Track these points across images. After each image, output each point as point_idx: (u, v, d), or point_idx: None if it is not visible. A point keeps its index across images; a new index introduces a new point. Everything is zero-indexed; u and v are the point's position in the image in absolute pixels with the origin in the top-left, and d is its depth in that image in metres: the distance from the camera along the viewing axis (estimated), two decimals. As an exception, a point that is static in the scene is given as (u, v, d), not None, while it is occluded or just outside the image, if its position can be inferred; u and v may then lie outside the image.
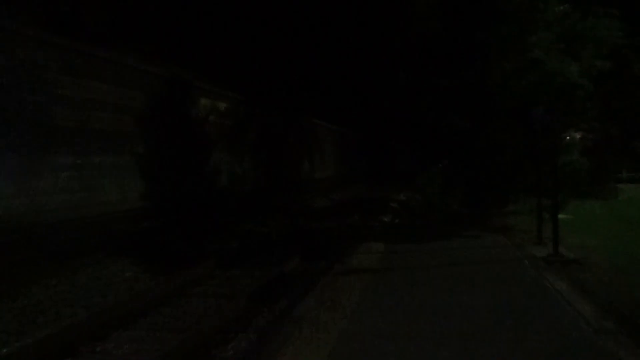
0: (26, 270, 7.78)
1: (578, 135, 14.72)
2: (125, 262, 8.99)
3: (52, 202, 8.86)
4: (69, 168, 9.28)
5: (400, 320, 4.73)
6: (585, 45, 10.08)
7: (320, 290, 6.06)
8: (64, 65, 9.20)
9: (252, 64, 17.74)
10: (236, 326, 5.86)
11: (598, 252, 7.62)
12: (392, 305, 5.20)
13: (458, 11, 10.30)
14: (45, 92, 8.80)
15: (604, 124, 13.78)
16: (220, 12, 16.80)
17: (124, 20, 12.12)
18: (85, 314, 6.13)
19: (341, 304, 5.34)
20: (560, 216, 7.80)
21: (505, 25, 9.70)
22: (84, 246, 9.05)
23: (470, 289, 5.76)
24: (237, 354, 5.03)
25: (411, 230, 10.79)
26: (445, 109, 10.86)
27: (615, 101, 12.75)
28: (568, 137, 12.53)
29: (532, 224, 8.79)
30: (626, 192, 14.64)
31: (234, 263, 9.12)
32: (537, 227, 8.42)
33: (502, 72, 9.63)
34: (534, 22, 9.81)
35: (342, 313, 5.01)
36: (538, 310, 4.84)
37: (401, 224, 11.95)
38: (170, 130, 11.61)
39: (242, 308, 6.45)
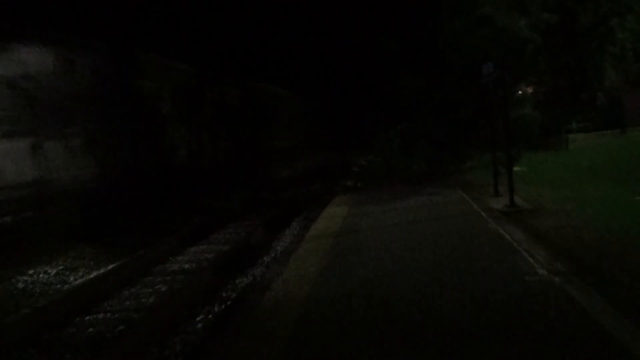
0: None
1: (530, 90, 15.08)
2: (83, 245, 8.74)
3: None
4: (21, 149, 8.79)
5: (365, 280, 4.80)
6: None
7: (286, 258, 6.07)
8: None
9: (204, 33, 17.18)
10: (202, 300, 5.83)
11: (551, 200, 7.91)
12: (356, 268, 5.26)
13: None
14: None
15: (553, 77, 14.13)
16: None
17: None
18: (45, 302, 5.96)
19: (306, 270, 5.36)
20: (514, 169, 8.02)
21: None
22: (38, 229, 8.72)
23: (431, 244, 5.88)
24: (205, 327, 5.01)
25: (373, 192, 10.90)
26: (399, 70, 10.86)
27: (563, 54, 13.06)
28: (520, 92, 12.81)
29: (489, 178, 9.02)
30: (576, 141, 15.20)
31: (197, 239, 9.03)
32: (494, 180, 8.65)
33: (453, 30, 9.66)
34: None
35: (308, 279, 5.04)
36: (496, 259, 5.00)
37: (363, 188, 12.06)
38: (120, 107, 11.18)
39: (207, 283, 6.41)
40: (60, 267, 7.68)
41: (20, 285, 6.93)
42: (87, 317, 5.57)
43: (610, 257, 4.81)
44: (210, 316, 5.33)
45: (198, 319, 5.29)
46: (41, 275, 7.30)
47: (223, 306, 5.59)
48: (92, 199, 10.09)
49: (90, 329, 5.20)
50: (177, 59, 15.28)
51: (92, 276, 7.17)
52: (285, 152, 26.15)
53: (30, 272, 7.41)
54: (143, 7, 14.69)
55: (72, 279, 7.22)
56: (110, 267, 7.47)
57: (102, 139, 10.74)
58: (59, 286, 6.90)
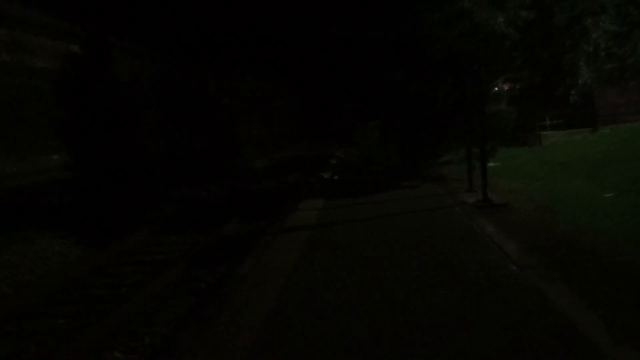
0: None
1: (506, 87, 15.28)
2: (54, 236, 8.52)
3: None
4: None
5: (338, 273, 4.80)
6: (511, -5, 10.29)
7: (261, 250, 6.04)
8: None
9: (180, 20, 16.87)
10: (175, 291, 5.76)
11: (523, 195, 8.05)
12: (331, 260, 5.26)
13: None
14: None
15: (529, 73, 14.33)
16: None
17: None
18: (11, 292, 5.80)
19: (281, 262, 5.34)
20: (489, 164, 8.12)
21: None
22: (7, 221, 8.47)
23: (405, 238, 5.92)
24: (177, 318, 4.95)
25: (350, 185, 10.92)
26: (379, 62, 10.85)
27: (539, 50, 13.24)
28: (496, 88, 12.96)
29: (464, 173, 9.12)
30: (549, 138, 15.47)
31: (172, 229, 8.91)
32: (468, 175, 8.75)
33: (432, 23, 9.67)
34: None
35: (282, 271, 5.02)
36: (467, 252, 5.06)
37: (340, 180, 12.07)
38: (91, 93, 10.89)
39: (180, 273, 6.33)
40: (27, 255, 7.48)
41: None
42: (55, 307, 5.44)
43: (579, 252, 4.91)
44: (182, 307, 5.26)
45: (169, 309, 5.22)
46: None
47: (196, 297, 5.52)
48: (65, 189, 9.84)
49: (59, 319, 5.09)
50: (154, 46, 14.98)
51: (62, 265, 7.01)
52: (264, 142, 26.00)
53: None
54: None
55: (39, 268, 7.04)
56: (81, 255, 7.32)
57: (74, 126, 10.47)
58: (27, 276, 6.72)
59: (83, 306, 5.44)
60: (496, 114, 9.97)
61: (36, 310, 5.35)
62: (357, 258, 5.24)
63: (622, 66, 13.75)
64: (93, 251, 7.64)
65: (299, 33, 23.84)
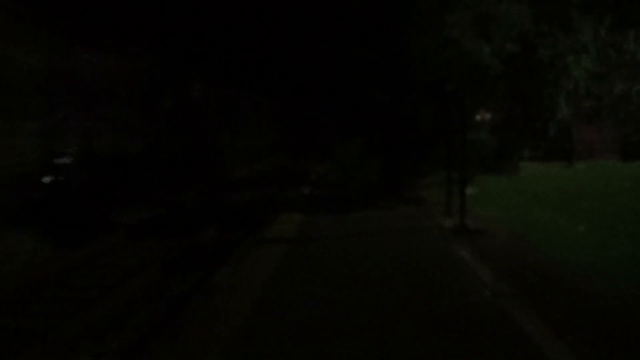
0: None
1: (488, 115, 15.60)
2: (24, 233, 8.32)
3: None
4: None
5: (313, 289, 4.79)
6: (498, 28, 10.60)
7: (237, 260, 5.99)
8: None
9: (169, 22, 16.82)
10: (146, 297, 5.66)
11: (500, 223, 8.18)
12: (307, 274, 5.25)
13: None
14: None
15: (510, 104, 14.69)
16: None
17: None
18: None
19: (257, 273, 5.31)
20: (467, 190, 8.25)
21: (425, 1, 9.91)
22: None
23: (381, 257, 5.96)
24: (147, 324, 4.86)
25: (329, 201, 10.95)
26: (365, 81, 10.98)
27: (521, 82, 13.60)
28: (479, 117, 13.24)
29: (443, 197, 9.24)
30: (527, 169, 15.81)
31: (147, 233, 8.78)
32: (447, 199, 8.86)
33: (420, 48, 9.87)
34: (452, 2, 10.13)
35: (257, 282, 4.99)
36: (442, 277, 5.12)
37: (320, 195, 12.08)
38: (73, 90, 10.75)
39: (153, 278, 6.23)
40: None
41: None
42: (19, 306, 5.29)
43: (550, 282, 5.01)
44: (152, 314, 5.17)
45: (139, 315, 5.13)
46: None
47: (167, 304, 5.44)
48: (37, 187, 9.63)
49: (23, 319, 4.95)
50: (140, 46, 14.89)
51: (29, 263, 6.83)
52: (244, 152, 25.91)
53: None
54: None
55: (8, 266, 6.85)
56: (51, 255, 7.15)
57: (52, 121, 10.29)
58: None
59: (49, 307, 5.30)
60: (477, 141, 10.16)
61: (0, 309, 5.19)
62: (332, 275, 5.24)
63: (600, 105, 14.22)
64: (64, 251, 7.47)
65: (286, 46, 23.96)
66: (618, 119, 16.69)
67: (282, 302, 4.38)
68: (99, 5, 13.49)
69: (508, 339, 3.55)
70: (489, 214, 9.00)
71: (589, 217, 8.15)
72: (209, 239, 8.55)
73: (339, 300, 4.42)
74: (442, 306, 4.24)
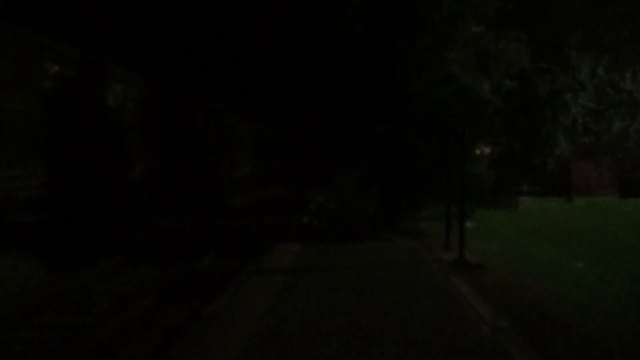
0: None
1: (487, 150, 15.74)
2: (19, 256, 8.25)
3: None
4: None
5: (311, 322, 4.74)
6: (497, 65, 10.81)
7: (234, 290, 5.93)
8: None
9: (173, 51, 17.12)
10: (142, 325, 5.58)
11: (498, 257, 8.15)
12: (304, 308, 5.20)
13: (380, 18, 10.59)
14: None
15: (508, 139, 14.84)
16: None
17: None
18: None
19: (254, 304, 5.26)
20: (466, 224, 8.24)
21: (426, 37, 10.13)
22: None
23: (379, 290, 5.91)
24: (142, 356, 4.78)
25: (328, 231, 10.91)
26: (365, 113, 11.10)
27: (520, 118, 13.79)
28: (478, 151, 13.35)
29: (442, 229, 9.22)
30: (525, 203, 15.87)
31: (144, 260, 8.72)
32: (445, 233, 8.85)
33: (420, 82, 10.03)
34: (452, 38, 10.35)
35: (254, 314, 4.93)
36: (441, 311, 5.07)
37: (318, 225, 12.06)
38: (79, 115, 10.86)
39: (149, 306, 6.16)
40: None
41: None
42: (12, 332, 5.21)
43: (549, 319, 4.96)
44: (147, 343, 5.10)
45: (134, 344, 5.05)
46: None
47: (162, 334, 5.36)
48: (38, 208, 9.62)
49: (15, 345, 4.86)
50: (145, 73, 15.11)
51: (23, 287, 6.76)
52: (243, 180, 25.96)
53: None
54: (114, 19, 14.54)
55: (1, 291, 6.77)
56: (46, 279, 7.08)
57: (56, 145, 10.36)
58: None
59: (43, 333, 5.22)
60: (476, 175, 10.20)
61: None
62: (330, 308, 5.19)
63: (598, 141, 14.39)
64: (59, 275, 7.40)
65: (288, 76, 24.33)
66: (616, 156, 16.86)
67: (279, 337, 4.32)
68: (103, 31, 13.73)
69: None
70: (488, 248, 8.97)
71: (588, 253, 8.13)
72: (207, 267, 8.49)
73: (336, 335, 4.37)
74: (441, 342, 4.19)
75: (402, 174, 10.79)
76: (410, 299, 5.54)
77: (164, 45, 16.84)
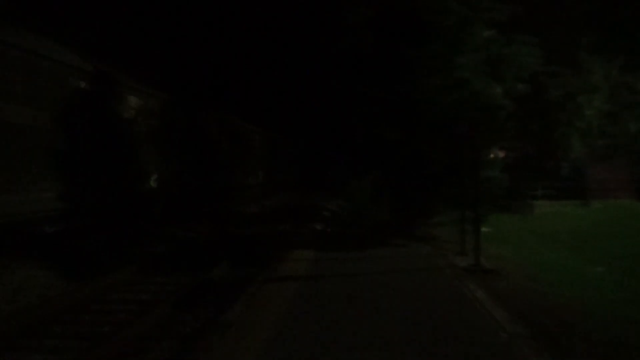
0: None
1: (501, 154, 15.64)
2: (38, 266, 8.39)
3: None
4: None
5: (326, 330, 4.75)
6: (508, 69, 10.76)
7: (249, 298, 5.97)
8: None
9: (186, 62, 17.31)
10: (159, 333, 5.64)
11: (513, 263, 8.08)
12: (319, 315, 5.20)
13: (390, 27, 10.63)
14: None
15: (522, 143, 14.73)
16: (149, 8, 16.24)
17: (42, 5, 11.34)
18: (-12, 322, 5.65)
19: (269, 312, 5.28)
20: (481, 229, 8.19)
21: (436, 43, 10.12)
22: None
23: (394, 297, 5.90)
24: (158, 363, 4.83)
25: (342, 238, 10.92)
26: (377, 120, 11.13)
27: (533, 122, 13.68)
28: (492, 155, 13.27)
29: (455, 235, 9.18)
30: (540, 208, 15.69)
31: (159, 269, 8.79)
32: (460, 238, 8.80)
33: (431, 88, 10.02)
34: (462, 44, 10.33)
35: (269, 322, 4.95)
36: (458, 317, 5.04)
37: (332, 233, 12.07)
38: (94, 128, 11.03)
39: (165, 315, 6.21)
40: (6, 285, 7.33)
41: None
42: (33, 340, 5.29)
43: (567, 325, 4.91)
44: (164, 351, 5.14)
45: (151, 353, 5.10)
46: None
47: (179, 342, 5.41)
48: (55, 220, 9.77)
49: (36, 355, 4.94)
50: (159, 84, 15.32)
51: (43, 297, 6.86)
52: (256, 188, 26.08)
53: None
54: (128, 31, 14.73)
55: (19, 299, 6.88)
56: (64, 289, 7.18)
57: (72, 158, 10.53)
58: (4, 307, 6.57)
59: (62, 342, 5.30)
60: (489, 179, 10.13)
61: (11, 344, 5.20)
62: (346, 315, 5.19)
63: (614, 144, 14.20)
64: (77, 285, 7.50)
65: (300, 85, 24.40)
66: (632, 159, 16.61)
67: (294, 344, 4.34)
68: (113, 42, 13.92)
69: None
70: (503, 253, 8.90)
71: (605, 258, 8.02)
72: (221, 276, 8.53)
73: (351, 342, 4.37)
74: (458, 348, 4.17)
75: (414, 180, 10.77)
76: (426, 305, 5.52)
77: (178, 57, 17.02)
